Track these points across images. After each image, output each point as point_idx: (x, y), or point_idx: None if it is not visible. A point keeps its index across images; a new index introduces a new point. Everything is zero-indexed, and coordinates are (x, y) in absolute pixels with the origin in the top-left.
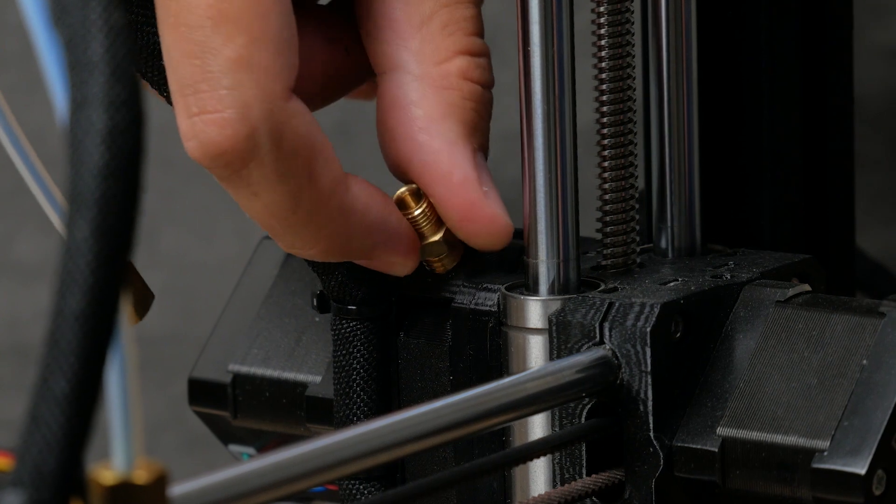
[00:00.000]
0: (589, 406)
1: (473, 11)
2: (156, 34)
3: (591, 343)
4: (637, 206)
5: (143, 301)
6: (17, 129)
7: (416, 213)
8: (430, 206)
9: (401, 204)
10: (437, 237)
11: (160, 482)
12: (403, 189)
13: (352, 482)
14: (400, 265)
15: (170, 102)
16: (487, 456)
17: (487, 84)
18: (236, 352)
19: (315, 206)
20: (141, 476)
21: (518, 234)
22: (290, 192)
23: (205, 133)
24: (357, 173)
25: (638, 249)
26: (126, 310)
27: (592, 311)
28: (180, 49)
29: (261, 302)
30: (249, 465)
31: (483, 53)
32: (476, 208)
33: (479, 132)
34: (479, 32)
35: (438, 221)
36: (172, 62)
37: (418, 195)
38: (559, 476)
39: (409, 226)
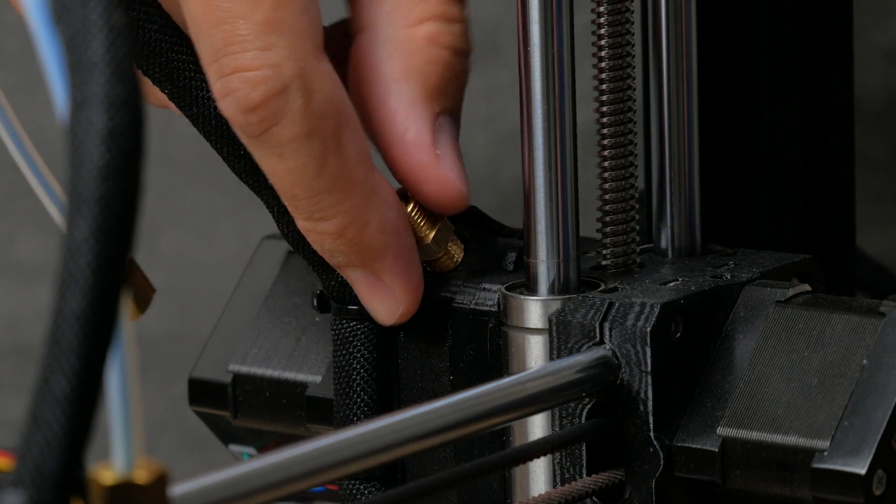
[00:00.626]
0: (589, 406)
1: None
2: (157, 31)
3: (591, 343)
4: (637, 206)
5: (145, 296)
6: (18, 126)
7: (410, 213)
8: (420, 207)
9: None
10: (428, 239)
11: (160, 482)
12: None
13: (352, 482)
14: (393, 302)
15: (172, 99)
16: (487, 456)
17: (459, 50)
18: (237, 352)
19: (339, 172)
20: (141, 476)
21: (518, 233)
22: (317, 155)
23: (239, 90)
24: None
25: (638, 249)
26: (126, 309)
27: (592, 311)
28: (209, 18)
29: (261, 302)
30: (250, 465)
31: (457, 20)
32: (425, 170)
33: (445, 97)
34: None
35: (429, 223)
36: (202, 31)
37: (405, 197)
38: (559, 476)
39: (421, 269)
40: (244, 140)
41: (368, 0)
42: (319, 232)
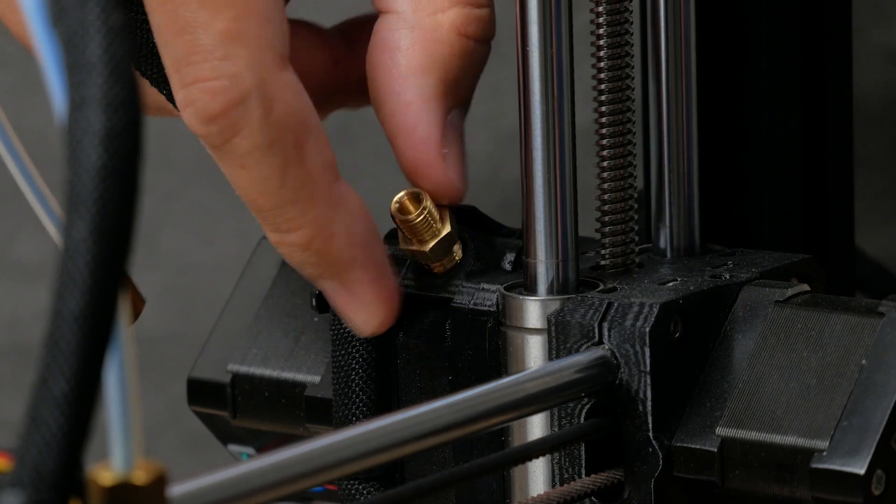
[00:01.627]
0: (588, 406)
1: None
2: None
3: (590, 343)
4: (636, 206)
5: (135, 307)
6: (11, 132)
7: (417, 218)
8: (430, 211)
9: (401, 208)
10: (434, 241)
11: (159, 482)
12: (403, 193)
13: (351, 482)
14: (367, 313)
15: (170, 100)
16: (486, 456)
17: (483, 37)
18: (235, 352)
19: (302, 183)
20: (140, 476)
21: (517, 233)
22: (278, 166)
23: (199, 100)
24: (357, 175)
25: (637, 249)
26: (124, 310)
27: (591, 311)
28: (170, 27)
29: (260, 302)
30: (249, 465)
31: (484, 4)
32: (429, 169)
33: (462, 90)
34: None
35: (437, 225)
36: (164, 40)
37: (418, 199)
38: (558, 476)
39: (395, 280)
40: (209, 151)
41: None
42: (287, 244)
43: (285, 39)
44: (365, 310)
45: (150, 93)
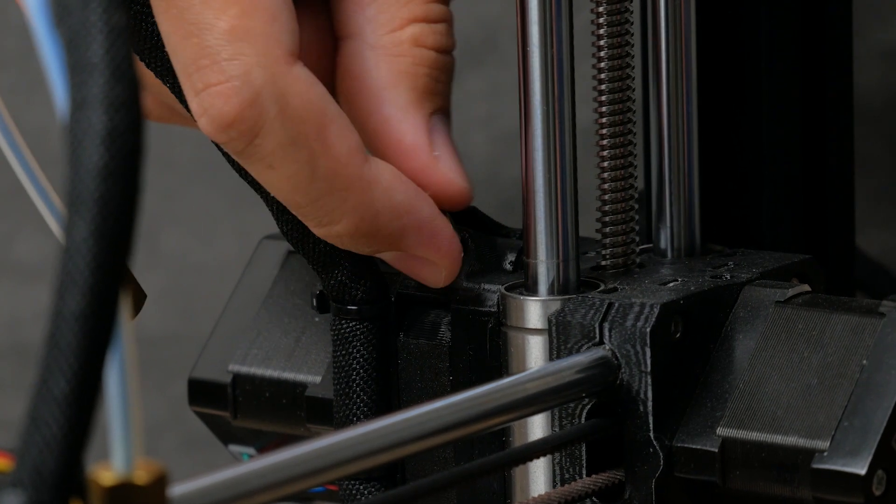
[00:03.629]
0: (589, 406)
1: None
2: None
3: (590, 343)
4: (636, 206)
5: (136, 301)
6: (14, 130)
7: None
8: None
9: None
10: None
11: (160, 482)
12: None
13: (352, 482)
14: (434, 267)
15: (174, 92)
16: (487, 456)
17: (444, 48)
18: (236, 352)
19: (333, 173)
20: (140, 476)
21: (517, 233)
22: (305, 160)
23: (213, 106)
24: None
25: (637, 250)
26: (125, 310)
27: (592, 312)
28: (177, 31)
29: (261, 302)
30: (249, 465)
31: (441, 19)
32: (426, 174)
33: (436, 96)
34: None
35: None
36: (172, 46)
37: None
38: (559, 476)
39: (450, 227)
40: (235, 158)
41: (351, 7)
42: (335, 235)
43: (294, 36)
44: (430, 267)
45: (151, 101)
